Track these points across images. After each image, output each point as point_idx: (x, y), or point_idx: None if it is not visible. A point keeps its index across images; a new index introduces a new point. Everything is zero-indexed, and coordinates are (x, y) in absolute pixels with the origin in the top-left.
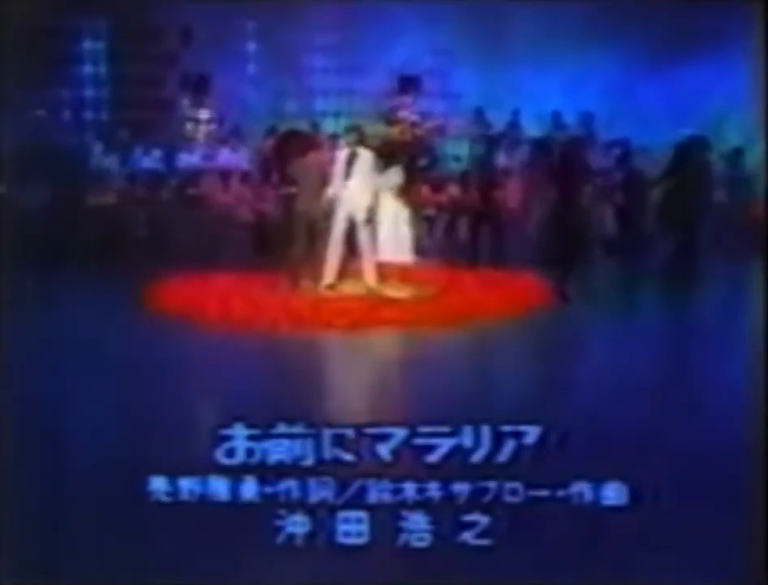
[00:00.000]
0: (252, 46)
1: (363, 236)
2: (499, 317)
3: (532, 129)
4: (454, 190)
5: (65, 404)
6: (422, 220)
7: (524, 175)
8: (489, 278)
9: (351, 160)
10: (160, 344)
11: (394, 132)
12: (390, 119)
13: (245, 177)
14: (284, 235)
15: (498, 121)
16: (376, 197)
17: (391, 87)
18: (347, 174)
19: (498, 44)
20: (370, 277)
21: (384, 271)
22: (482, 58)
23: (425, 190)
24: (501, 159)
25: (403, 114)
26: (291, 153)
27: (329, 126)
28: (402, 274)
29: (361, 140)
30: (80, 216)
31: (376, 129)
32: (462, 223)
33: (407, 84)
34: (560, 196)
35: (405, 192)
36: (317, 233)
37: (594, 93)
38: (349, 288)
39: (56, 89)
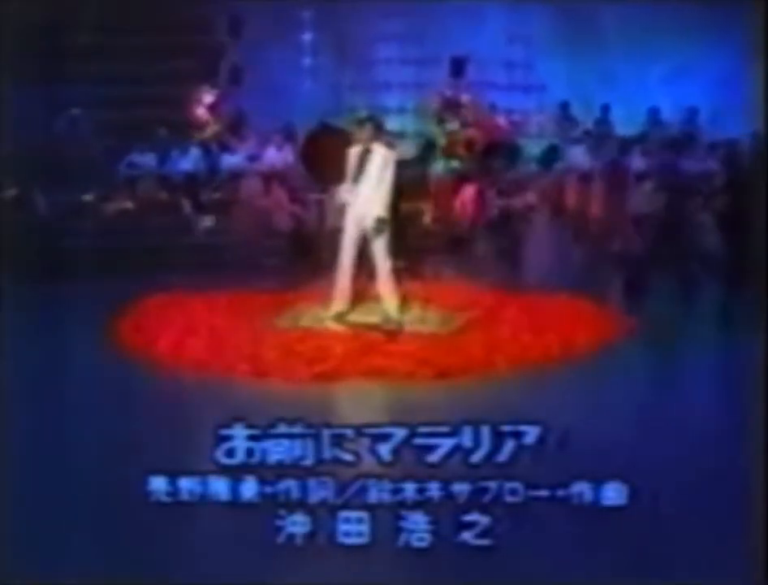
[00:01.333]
0: (307, 36)
1: (376, 250)
2: (540, 360)
3: (623, 127)
4: (528, 196)
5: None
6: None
7: (611, 180)
8: (540, 304)
9: (362, 159)
10: (114, 377)
11: (455, 127)
12: (445, 113)
13: (283, 179)
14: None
15: (586, 117)
16: (393, 203)
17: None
18: (358, 176)
19: (585, 31)
20: (390, 303)
21: (409, 295)
22: (567, 47)
23: (492, 195)
24: (586, 161)
25: (463, 104)
26: (325, 151)
27: (393, 123)
28: (428, 298)
29: (377, 135)
30: (92, 224)
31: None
32: (533, 235)
33: (461, 67)
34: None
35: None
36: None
37: (699, 87)
38: (362, 317)
39: (87, 86)
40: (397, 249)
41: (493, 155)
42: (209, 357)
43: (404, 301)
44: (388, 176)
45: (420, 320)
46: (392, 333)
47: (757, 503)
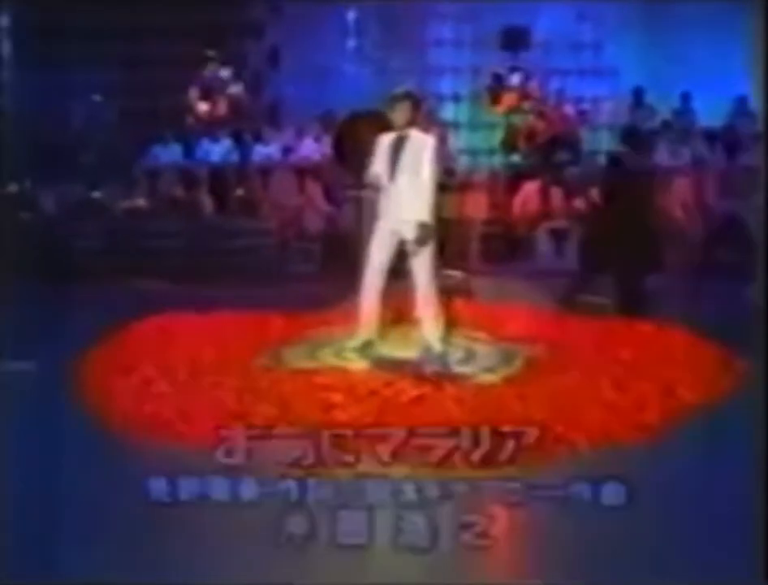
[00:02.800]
0: (351, 16)
1: (416, 263)
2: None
3: (706, 117)
4: (596, 194)
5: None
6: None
7: (694, 177)
8: (623, 337)
9: (397, 148)
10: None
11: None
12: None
13: (319, 174)
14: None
15: (662, 106)
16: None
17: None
18: (392, 170)
19: (660, 9)
20: (431, 331)
21: (455, 320)
22: (641, 27)
23: (556, 194)
24: (663, 155)
25: (524, 90)
26: (361, 140)
27: (447, 111)
28: (477, 324)
29: (416, 118)
30: (103, 223)
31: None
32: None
33: (517, 40)
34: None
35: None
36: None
37: None
38: (395, 349)
39: (107, 71)
40: (443, 261)
41: (556, 149)
42: (169, 416)
43: (448, 329)
44: (428, 170)
45: (466, 357)
46: (432, 381)
47: (757, 503)
